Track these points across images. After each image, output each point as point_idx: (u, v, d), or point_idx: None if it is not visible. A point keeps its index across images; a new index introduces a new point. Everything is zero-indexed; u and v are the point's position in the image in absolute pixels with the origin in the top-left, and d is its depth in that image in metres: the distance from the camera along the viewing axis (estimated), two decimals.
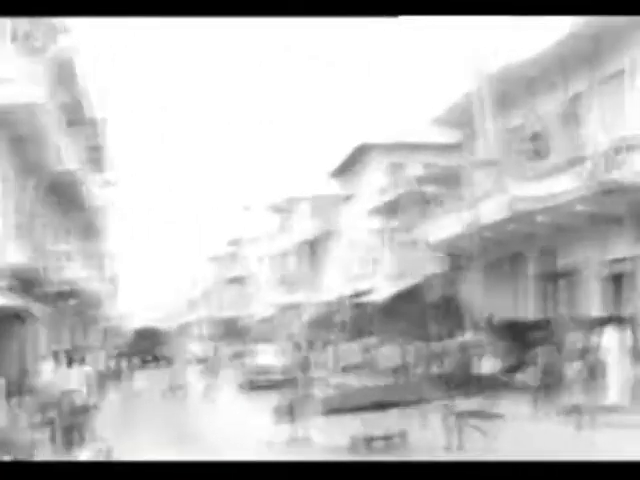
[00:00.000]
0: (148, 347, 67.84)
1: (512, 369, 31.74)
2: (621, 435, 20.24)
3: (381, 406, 21.18)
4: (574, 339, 26.60)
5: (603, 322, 26.60)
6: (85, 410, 21.13)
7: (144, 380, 43.21)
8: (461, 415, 19.51)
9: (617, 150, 25.08)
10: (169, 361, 68.62)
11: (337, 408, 21.80)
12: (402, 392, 22.04)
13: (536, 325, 32.90)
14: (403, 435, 20.96)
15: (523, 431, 22.22)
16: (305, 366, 35.26)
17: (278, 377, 34.80)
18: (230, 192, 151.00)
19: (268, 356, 40.65)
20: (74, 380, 20.46)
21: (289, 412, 21.86)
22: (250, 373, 40.27)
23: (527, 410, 24.61)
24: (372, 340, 43.87)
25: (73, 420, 19.66)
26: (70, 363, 21.18)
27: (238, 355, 45.02)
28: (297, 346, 49.48)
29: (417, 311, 48.01)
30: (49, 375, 22.43)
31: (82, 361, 21.85)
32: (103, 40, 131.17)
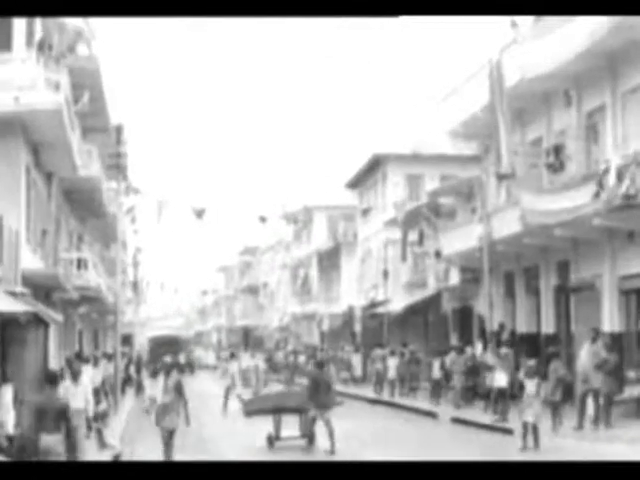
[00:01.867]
0: (167, 355, 68.27)
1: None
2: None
3: (296, 410, 23.67)
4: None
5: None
6: (92, 423, 21.26)
7: (157, 388, 43.34)
8: (313, 419, 22.59)
9: (634, 164, 25.10)
10: (189, 369, 69.22)
11: (255, 410, 24.89)
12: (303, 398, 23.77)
13: (550, 339, 32.91)
14: (310, 437, 23.04)
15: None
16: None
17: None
18: (244, 201, 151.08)
19: (249, 362, 49.68)
20: (79, 398, 19.94)
21: None
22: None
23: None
24: (378, 351, 44.49)
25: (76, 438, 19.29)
26: (75, 377, 20.61)
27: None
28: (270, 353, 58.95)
29: (431, 323, 48.11)
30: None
31: (78, 373, 21.33)
32: (121, 46, 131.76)
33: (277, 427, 23.83)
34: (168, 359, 36.84)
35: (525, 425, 22.06)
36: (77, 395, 19.65)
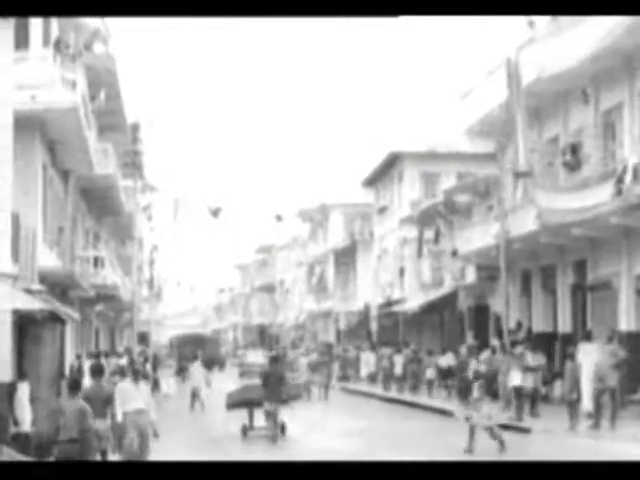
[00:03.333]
0: (191, 353, 69.42)
1: (543, 382, 31.57)
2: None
3: (258, 402, 24.12)
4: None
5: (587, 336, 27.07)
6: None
7: (172, 385, 43.60)
8: (267, 413, 23.53)
9: None
10: (219, 365, 69.90)
11: (235, 402, 25.89)
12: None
13: (566, 338, 32.76)
14: (282, 427, 23.89)
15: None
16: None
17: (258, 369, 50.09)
18: (261, 199, 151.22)
19: (253, 357, 63.53)
20: (141, 398, 18.44)
21: None
22: (242, 366, 62.08)
23: (557, 424, 24.60)
24: (385, 349, 45.65)
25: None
26: (136, 376, 18.84)
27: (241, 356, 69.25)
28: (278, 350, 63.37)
29: (447, 322, 48.01)
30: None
31: (138, 372, 20.29)
32: (137, 44, 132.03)
33: (251, 418, 24.89)
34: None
35: (472, 428, 21.08)
36: (140, 395, 17.48)
